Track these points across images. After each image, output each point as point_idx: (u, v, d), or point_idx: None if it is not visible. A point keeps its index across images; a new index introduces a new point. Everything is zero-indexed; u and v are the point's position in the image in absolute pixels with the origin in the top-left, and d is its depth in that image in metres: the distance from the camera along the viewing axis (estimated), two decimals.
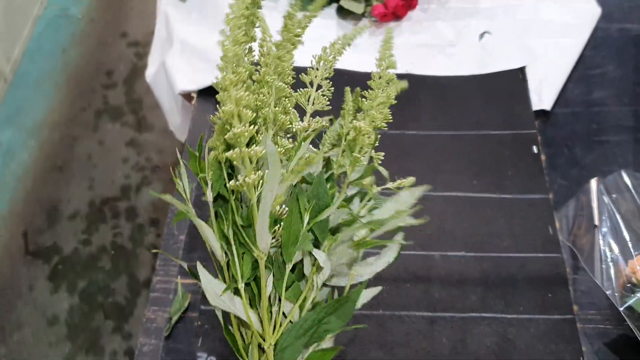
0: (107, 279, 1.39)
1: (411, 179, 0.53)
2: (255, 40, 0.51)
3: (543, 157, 0.82)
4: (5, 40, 1.79)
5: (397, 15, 0.97)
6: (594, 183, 0.75)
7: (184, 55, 0.93)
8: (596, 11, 0.98)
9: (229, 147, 0.47)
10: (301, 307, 0.52)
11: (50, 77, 1.78)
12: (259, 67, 0.51)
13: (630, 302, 0.64)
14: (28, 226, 1.48)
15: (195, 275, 0.51)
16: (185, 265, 0.60)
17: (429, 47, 0.95)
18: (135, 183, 1.54)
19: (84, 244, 1.45)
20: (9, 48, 1.79)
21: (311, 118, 0.55)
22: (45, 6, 1.96)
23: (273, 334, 0.51)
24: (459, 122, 0.85)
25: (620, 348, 0.68)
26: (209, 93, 0.89)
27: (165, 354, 0.67)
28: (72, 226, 1.48)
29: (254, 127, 0.43)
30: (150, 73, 0.98)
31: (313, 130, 0.55)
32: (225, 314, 0.53)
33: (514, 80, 0.89)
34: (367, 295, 0.56)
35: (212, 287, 0.50)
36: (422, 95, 0.88)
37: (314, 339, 0.51)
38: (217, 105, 0.44)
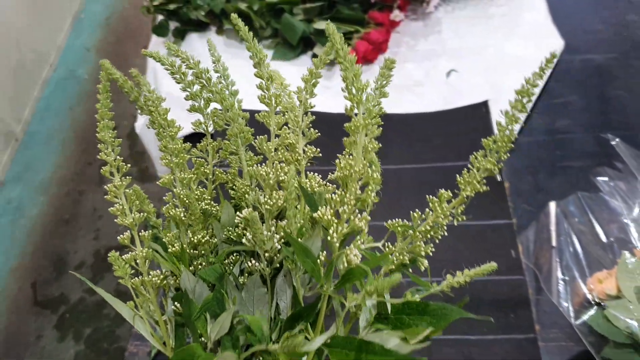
0: (112, 325, 1.43)
1: None
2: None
3: (507, 185, 0.85)
4: (16, 102, 1.89)
5: (367, 59, 1.02)
6: (552, 206, 0.78)
7: (168, 106, 0.99)
8: (559, 44, 1.03)
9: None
10: None
11: (58, 135, 1.87)
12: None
13: (584, 317, 0.67)
14: (36, 278, 1.53)
15: None
16: None
17: (399, 88, 1.00)
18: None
19: (90, 293, 1.50)
20: (19, 109, 1.89)
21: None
22: (54, 69, 2.06)
23: None
24: (423, 156, 0.89)
25: None
26: (192, 140, 0.95)
27: None
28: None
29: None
30: (139, 124, 1.04)
31: None
32: None
33: (478, 114, 0.94)
34: None
35: None
36: (390, 133, 0.92)
37: None
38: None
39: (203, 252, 0.50)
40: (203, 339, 0.46)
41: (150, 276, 0.48)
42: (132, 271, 0.48)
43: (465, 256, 0.78)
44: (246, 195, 0.51)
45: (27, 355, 1.41)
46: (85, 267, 1.61)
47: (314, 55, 1.04)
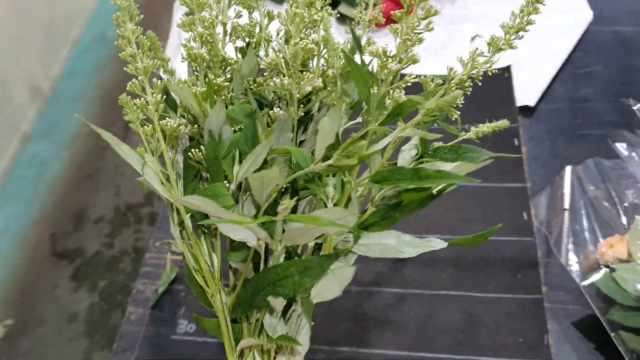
0: (127, 279, 1.45)
1: None
2: None
3: (524, 149, 0.84)
4: (45, 60, 1.91)
5: (392, 20, 1.01)
6: (568, 170, 0.77)
7: None
8: (588, 15, 1.00)
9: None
10: None
11: (85, 94, 1.89)
12: None
13: (592, 279, 0.66)
14: (56, 230, 1.56)
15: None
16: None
17: (423, 50, 0.99)
18: None
19: (107, 247, 1.52)
20: (48, 67, 1.91)
21: None
22: (84, 30, 2.08)
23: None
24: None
25: (587, 328, 0.69)
26: None
27: (149, 322, 0.72)
28: (96, 230, 1.55)
29: None
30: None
31: None
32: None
33: (500, 79, 0.92)
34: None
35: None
36: (410, 95, 0.91)
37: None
38: None
39: (223, 97, 0.48)
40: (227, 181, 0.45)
41: (165, 121, 0.45)
42: (144, 117, 0.45)
43: (477, 216, 0.78)
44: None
45: (42, 302, 1.45)
46: (104, 222, 1.63)
47: (339, 15, 1.03)
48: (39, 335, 1.29)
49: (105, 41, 2.06)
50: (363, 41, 0.50)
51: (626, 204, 0.71)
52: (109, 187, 1.69)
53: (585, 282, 0.66)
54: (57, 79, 1.99)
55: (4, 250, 1.58)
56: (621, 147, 0.75)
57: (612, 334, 0.63)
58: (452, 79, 0.48)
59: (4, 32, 1.71)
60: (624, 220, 0.70)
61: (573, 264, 0.69)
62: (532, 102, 0.89)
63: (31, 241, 1.58)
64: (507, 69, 0.93)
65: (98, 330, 1.33)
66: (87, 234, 1.66)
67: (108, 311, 1.45)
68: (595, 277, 0.66)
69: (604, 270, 0.66)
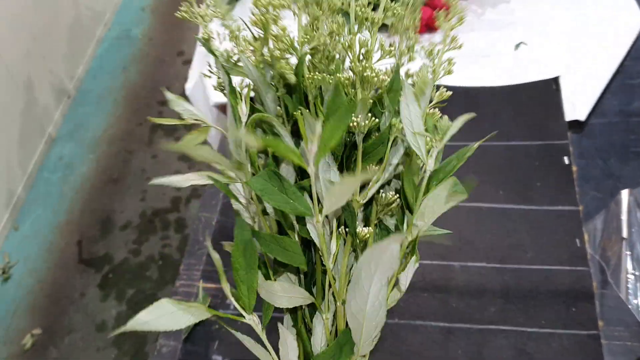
0: (154, 287, 1.43)
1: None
2: None
3: (575, 169, 0.79)
4: (70, 59, 1.89)
5: (430, 27, 0.96)
6: (625, 194, 0.72)
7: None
8: (638, 19, 0.95)
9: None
10: None
11: (110, 94, 1.86)
12: None
13: None
14: (82, 235, 1.54)
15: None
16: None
17: (462, 58, 0.94)
18: (185, 196, 1.59)
19: (134, 254, 1.50)
20: (72, 67, 1.89)
21: None
22: (108, 28, 2.06)
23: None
24: (488, 133, 0.84)
25: None
26: None
27: (182, 356, 0.69)
28: (123, 236, 1.54)
29: None
30: (189, 86, 1.01)
31: None
32: None
33: (547, 91, 0.87)
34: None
35: None
36: (451, 106, 0.87)
37: None
38: None
39: None
40: None
41: None
42: None
43: (527, 242, 0.73)
44: None
45: (71, 310, 1.42)
46: (131, 228, 1.61)
47: None
48: (67, 344, 1.26)
49: (131, 39, 2.03)
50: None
51: None
52: (135, 191, 1.67)
53: None
54: (82, 78, 1.97)
55: (32, 255, 1.56)
56: None
57: None
58: None
59: (30, 32, 1.69)
60: None
61: (634, 299, 0.64)
62: (582, 117, 0.83)
63: (58, 246, 1.56)
64: (555, 80, 0.88)
65: (126, 340, 1.30)
66: (114, 240, 1.64)
67: None
68: None
69: None
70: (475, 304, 0.69)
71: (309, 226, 0.47)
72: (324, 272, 0.49)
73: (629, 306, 0.63)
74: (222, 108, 0.96)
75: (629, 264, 0.67)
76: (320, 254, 0.47)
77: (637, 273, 0.66)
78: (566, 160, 0.80)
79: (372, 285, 0.42)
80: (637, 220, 0.69)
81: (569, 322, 0.67)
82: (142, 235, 1.57)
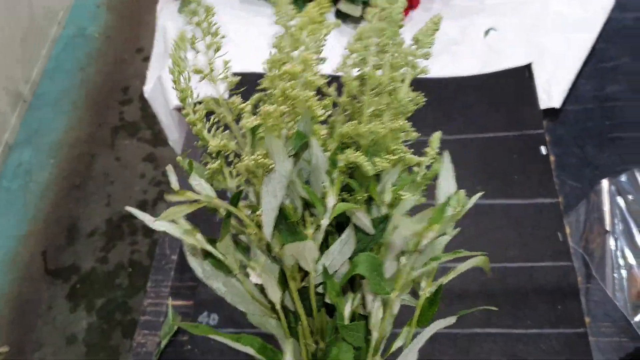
0: (124, 296, 1.38)
1: None
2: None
3: (552, 158, 0.77)
4: (24, 62, 1.81)
5: (410, 3, 0.93)
6: (605, 183, 0.70)
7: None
8: (609, 1, 0.93)
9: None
10: None
11: (68, 96, 1.79)
12: None
13: None
14: (47, 245, 1.48)
15: None
16: None
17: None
18: (152, 198, 1.54)
19: (102, 262, 1.45)
20: (27, 70, 1.81)
21: None
22: (63, 27, 1.98)
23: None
24: (462, 126, 0.81)
25: None
26: None
27: None
28: (90, 244, 1.48)
29: None
30: (147, 88, 0.96)
31: None
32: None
33: (521, 78, 0.85)
34: None
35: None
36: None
37: None
38: None
39: None
40: None
41: None
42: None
43: (509, 239, 0.71)
44: None
45: (39, 324, 1.37)
46: (98, 235, 1.55)
47: (338, 12, 0.95)
48: (38, 359, 1.21)
49: (87, 38, 1.96)
50: None
51: None
52: (100, 196, 1.61)
53: (637, 318, 0.59)
54: (37, 81, 1.89)
55: None
56: None
57: None
58: None
59: None
60: None
61: (620, 293, 0.62)
62: (557, 104, 0.81)
63: (22, 258, 1.50)
64: (528, 67, 0.85)
65: (99, 353, 1.26)
66: (81, 248, 1.58)
67: (107, 331, 1.38)
68: None
69: None
70: (459, 308, 0.67)
71: None
72: None
73: (615, 301, 0.61)
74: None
75: (613, 257, 0.65)
76: None
77: (622, 266, 0.64)
78: (543, 150, 0.78)
79: None
80: (619, 211, 0.67)
81: (556, 321, 0.65)
82: (109, 242, 1.52)
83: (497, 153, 0.78)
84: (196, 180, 0.37)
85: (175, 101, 0.87)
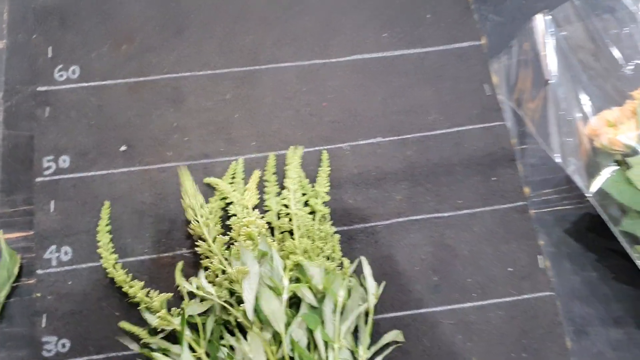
0: None
1: None
2: None
3: None
4: None
5: None
6: (539, 18, 0.56)
7: None
8: None
9: None
10: None
11: None
12: None
13: (598, 183, 0.49)
14: None
15: None
16: None
17: None
18: None
19: None
20: None
21: None
22: None
23: None
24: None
25: (583, 232, 0.54)
26: None
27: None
28: None
29: None
30: None
31: None
32: None
33: None
34: None
35: None
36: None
37: None
38: None
39: None
40: None
41: None
42: None
43: (427, 101, 0.57)
44: None
45: None
46: None
47: None
48: None
49: None
50: None
51: (630, 65, 0.53)
52: None
53: (594, 189, 0.49)
54: None
55: None
56: None
57: (630, 249, 0.48)
58: None
59: None
60: (624, 85, 0.52)
61: (572, 160, 0.51)
62: None
63: None
64: None
65: None
66: None
67: None
68: (601, 177, 0.49)
69: (611, 167, 0.49)
70: (376, 194, 0.54)
71: None
72: None
73: (570, 173, 0.50)
74: None
75: (553, 110, 0.53)
76: None
77: (564, 120, 0.52)
78: None
79: None
80: (560, 52, 0.54)
81: (490, 197, 0.54)
82: None
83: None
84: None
85: None
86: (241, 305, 0.45)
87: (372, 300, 0.48)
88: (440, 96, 0.57)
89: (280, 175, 0.53)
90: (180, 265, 0.50)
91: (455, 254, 0.52)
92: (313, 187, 0.52)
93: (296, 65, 0.58)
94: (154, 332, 0.48)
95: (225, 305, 0.46)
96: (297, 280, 0.47)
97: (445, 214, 0.53)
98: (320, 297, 0.47)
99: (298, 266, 0.47)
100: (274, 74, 0.58)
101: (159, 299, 0.47)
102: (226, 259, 0.47)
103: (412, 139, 0.55)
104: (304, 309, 0.46)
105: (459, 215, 0.53)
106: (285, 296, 0.46)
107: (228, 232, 0.49)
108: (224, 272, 0.47)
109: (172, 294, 0.49)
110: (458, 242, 0.52)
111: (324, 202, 0.52)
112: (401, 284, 0.51)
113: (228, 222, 0.50)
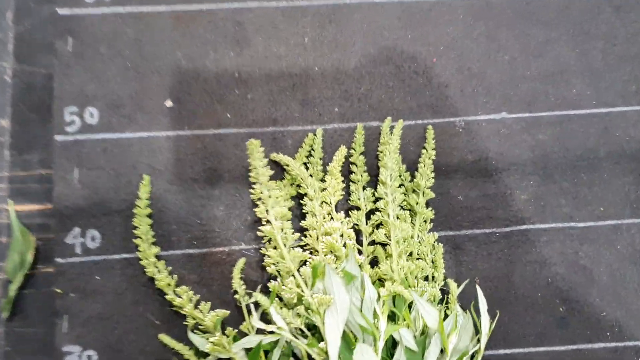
0: None
1: None
2: None
3: None
4: None
5: None
6: None
7: None
8: None
9: None
10: None
11: None
12: None
13: None
14: None
15: None
16: None
17: None
18: None
19: None
20: None
21: None
22: None
23: None
24: None
25: None
26: None
27: (9, 344, 0.40)
28: None
29: None
30: None
31: None
32: None
33: None
34: None
35: None
36: None
37: None
38: None
39: None
40: None
41: None
42: None
43: (571, 58, 0.43)
44: None
45: None
46: None
47: None
48: None
49: None
50: None
51: None
52: None
53: None
54: None
55: None
56: None
57: None
58: None
59: None
60: None
61: None
62: None
63: None
64: None
65: None
66: None
67: None
68: None
69: None
70: (495, 189, 0.41)
71: None
72: None
73: None
74: None
75: None
76: None
77: None
78: None
79: None
80: None
81: None
82: None
83: None
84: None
85: None
86: (320, 343, 0.35)
87: (484, 340, 0.37)
88: (587, 61, 0.43)
89: (369, 154, 0.41)
90: (240, 264, 0.39)
91: (592, 279, 0.40)
92: (412, 178, 0.40)
93: (399, 1, 0.43)
94: (203, 354, 0.38)
95: (298, 342, 0.36)
96: (391, 314, 0.36)
97: (582, 224, 0.41)
98: (422, 338, 0.36)
99: (396, 297, 0.36)
100: (369, 12, 0.43)
101: (212, 318, 0.37)
102: (299, 271, 0.36)
103: (548, 118, 0.42)
104: (400, 354, 0.36)
105: (599, 226, 0.41)
106: (382, 343, 0.35)
107: (301, 235, 0.38)
108: (299, 297, 0.36)
109: (229, 312, 0.38)
110: (596, 263, 0.40)
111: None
112: (518, 313, 0.40)
113: (300, 220, 0.39)
